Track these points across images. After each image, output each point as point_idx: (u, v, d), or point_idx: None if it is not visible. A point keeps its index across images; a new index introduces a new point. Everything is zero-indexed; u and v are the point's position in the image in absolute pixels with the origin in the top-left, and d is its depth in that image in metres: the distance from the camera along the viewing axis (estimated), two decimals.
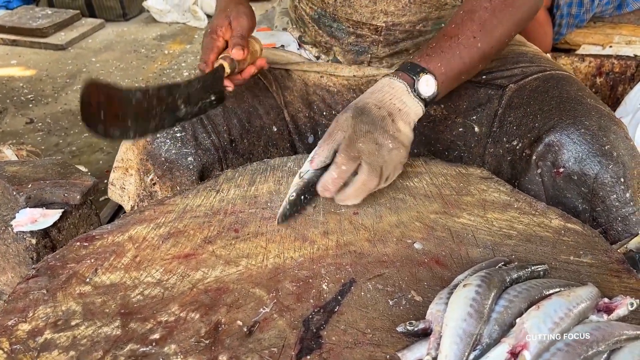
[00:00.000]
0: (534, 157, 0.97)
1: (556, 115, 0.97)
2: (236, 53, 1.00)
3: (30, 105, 3.31)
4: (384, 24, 1.14)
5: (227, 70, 0.99)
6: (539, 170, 0.96)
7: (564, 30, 2.28)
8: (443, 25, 1.16)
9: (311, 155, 0.88)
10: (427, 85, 0.90)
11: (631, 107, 1.79)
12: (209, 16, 5.02)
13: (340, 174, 0.83)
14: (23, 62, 4.02)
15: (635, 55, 2.14)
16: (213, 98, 0.97)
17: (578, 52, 2.26)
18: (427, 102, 0.91)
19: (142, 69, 3.94)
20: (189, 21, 4.95)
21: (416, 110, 0.90)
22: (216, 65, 0.99)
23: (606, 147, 0.91)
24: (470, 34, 0.93)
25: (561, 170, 0.92)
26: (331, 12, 1.17)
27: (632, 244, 1.14)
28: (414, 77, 0.89)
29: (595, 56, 2.17)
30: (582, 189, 0.91)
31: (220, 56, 1.01)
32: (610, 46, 2.26)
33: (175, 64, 4.05)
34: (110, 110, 0.73)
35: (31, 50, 4.26)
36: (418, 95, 0.89)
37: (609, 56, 2.16)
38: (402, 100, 0.89)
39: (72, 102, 3.37)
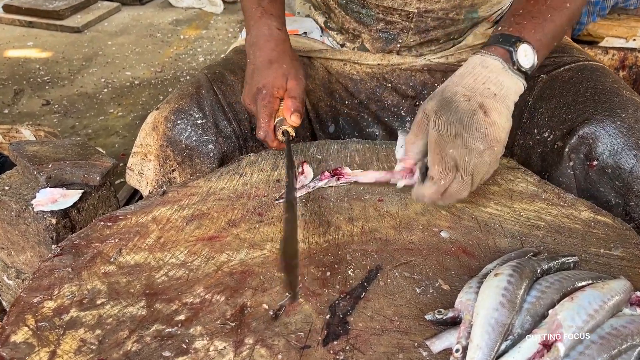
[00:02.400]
0: (566, 149, 0.94)
1: (591, 107, 0.95)
2: (295, 120, 0.93)
3: (47, 87, 3.32)
4: (416, 10, 1.09)
5: (293, 134, 0.93)
6: (571, 163, 0.94)
7: (584, 19, 2.24)
8: (475, 14, 1.13)
9: (399, 147, 0.85)
10: (526, 55, 0.81)
11: None
12: (225, 2, 5.01)
13: (439, 189, 0.77)
14: (39, 44, 4.03)
15: None
16: (292, 171, 0.89)
17: (601, 44, 2.22)
18: (527, 76, 0.83)
19: (157, 54, 3.94)
20: (205, 7, 4.94)
21: (517, 88, 0.81)
22: (279, 134, 0.93)
23: None
24: None
25: (595, 163, 0.90)
26: None
27: None
28: (511, 49, 0.81)
29: (618, 49, 2.13)
30: (616, 182, 0.89)
31: (278, 119, 0.95)
32: (634, 39, 2.22)
33: (191, 49, 4.04)
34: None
35: (47, 32, 4.27)
36: (518, 69, 0.81)
37: (632, 49, 2.12)
38: (499, 82, 0.80)
39: (88, 85, 3.38)
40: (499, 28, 0.86)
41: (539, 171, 1.01)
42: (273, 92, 0.95)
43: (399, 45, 1.16)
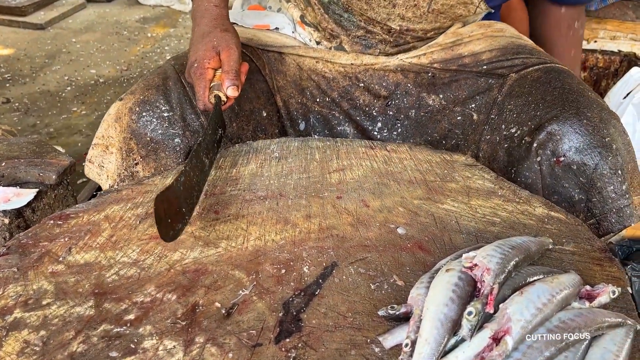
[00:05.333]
0: (534, 145, 0.97)
1: (559, 105, 0.98)
2: (231, 92, 0.95)
3: (7, 85, 3.23)
4: (398, 27, 1.11)
5: (224, 99, 0.97)
6: (538, 159, 0.96)
7: None
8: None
9: None
10: None
11: (615, 102, 1.80)
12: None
13: None
14: (0, 40, 3.92)
15: (619, 51, 2.16)
16: (220, 132, 0.96)
17: None
18: None
19: (124, 52, 3.87)
20: (173, 4, 4.87)
21: None
22: (212, 98, 0.96)
23: (606, 140, 0.92)
24: None
25: (561, 159, 0.93)
26: (344, 2, 1.11)
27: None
28: None
29: None
30: (581, 179, 0.93)
31: (212, 84, 0.97)
32: (595, 41, 2.27)
33: (158, 47, 3.98)
34: (173, 212, 0.73)
35: (9, 29, 4.15)
36: None
37: (593, 51, 2.17)
38: None
39: (51, 82, 3.30)
40: None
41: (505, 166, 1.03)
42: (204, 64, 0.97)
43: (377, 51, 1.18)
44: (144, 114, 1.03)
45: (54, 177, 1.19)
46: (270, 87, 1.20)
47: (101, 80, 3.37)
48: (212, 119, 0.92)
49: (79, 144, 2.61)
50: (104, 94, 3.19)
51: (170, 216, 0.71)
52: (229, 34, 1.01)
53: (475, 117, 1.13)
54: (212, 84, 0.97)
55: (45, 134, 2.69)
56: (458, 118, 1.15)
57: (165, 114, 1.03)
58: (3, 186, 1.15)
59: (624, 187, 0.93)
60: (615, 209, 0.93)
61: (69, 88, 3.24)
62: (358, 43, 1.18)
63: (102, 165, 1.10)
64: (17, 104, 2.99)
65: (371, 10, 1.10)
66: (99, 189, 1.85)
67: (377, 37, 1.15)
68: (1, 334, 0.59)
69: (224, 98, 0.96)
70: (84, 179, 2.14)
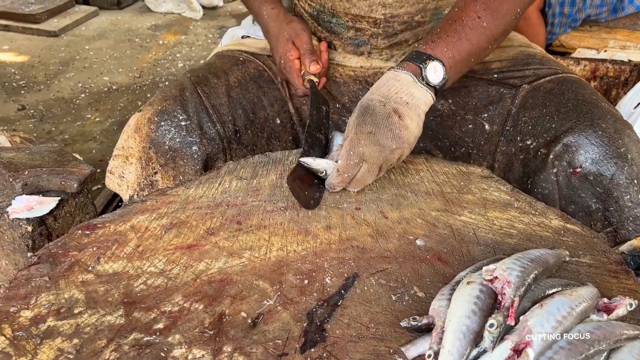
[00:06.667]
0: (550, 157, 0.99)
1: (574, 117, 1.00)
2: (314, 69, 1.08)
3: (22, 92, 3.27)
4: (382, 17, 1.14)
5: (316, 80, 1.09)
6: (554, 170, 0.98)
7: (556, 30, 2.30)
8: (441, 16, 1.17)
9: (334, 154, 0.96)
10: (435, 72, 0.90)
11: (625, 111, 1.81)
12: (204, 7, 5.00)
13: (343, 180, 0.88)
14: (15, 47, 3.97)
15: (630, 60, 2.16)
16: (324, 108, 1.07)
17: (573, 55, 2.28)
18: (437, 89, 0.92)
19: (136, 59, 3.91)
20: (184, 12, 4.92)
21: (426, 100, 0.91)
22: (306, 84, 1.09)
23: (622, 150, 0.94)
24: (475, 15, 0.93)
25: (578, 170, 0.95)
26: (330, 7, 1.18)
27: (625, 247, 1.16)
28: (421, 66, 0.90)
29: (590, 60, 2.19)
30: (597, 189, 0.94)
31: (302, 72, 1.10)
32: (605, 50, 2.28)
33: (170, 54, 4.02)
34: (307, 184, 0.90)
35: (23, 36, 4.20)
36: (427, 83, 0.90)
37: (603, 60, 2.18)
38: (410, 93, 0.89)
39: (65, 89, 3.34)
40: (416, 46, 0.95)
41: (520, 177, 1.05)
42: (288, 57, 1.11)
43: (369, 47, 1.20)
44: (162, 123, 1.05)
45: (75, 185, 1.21)
46: (283, 95, 1.23)
47: (114, 87, 3.41)
48: (313, 101, 1.03)
49: (94, 151, 2.65)
50: (117, 101, 3.23)
51: (306, 189, 0.88)
52: (294, 22, 1.13)
53: (487, 127, 1.14)
54: (302, 73, 1.09)
55: (61, 140, 2.73)
56: (469, 126, 1.16)
57: (183, 123, 1.06)
58: (26, 194, 1.17)
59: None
60: (632, 217, 0.95)
61: (82, 95, 3.28)
62: (350, 44, 1.22)
63: (123, 175, 1.13)
64: (32, 111, 3.04)
65: (353, 7, 1.15)
66: (115, 195, 1.89)
67: (366, 32, 1.18)
68: (36, 342, 0.61)
69: (315, 79, 1.09)
70: (99, 186, 2.17)
